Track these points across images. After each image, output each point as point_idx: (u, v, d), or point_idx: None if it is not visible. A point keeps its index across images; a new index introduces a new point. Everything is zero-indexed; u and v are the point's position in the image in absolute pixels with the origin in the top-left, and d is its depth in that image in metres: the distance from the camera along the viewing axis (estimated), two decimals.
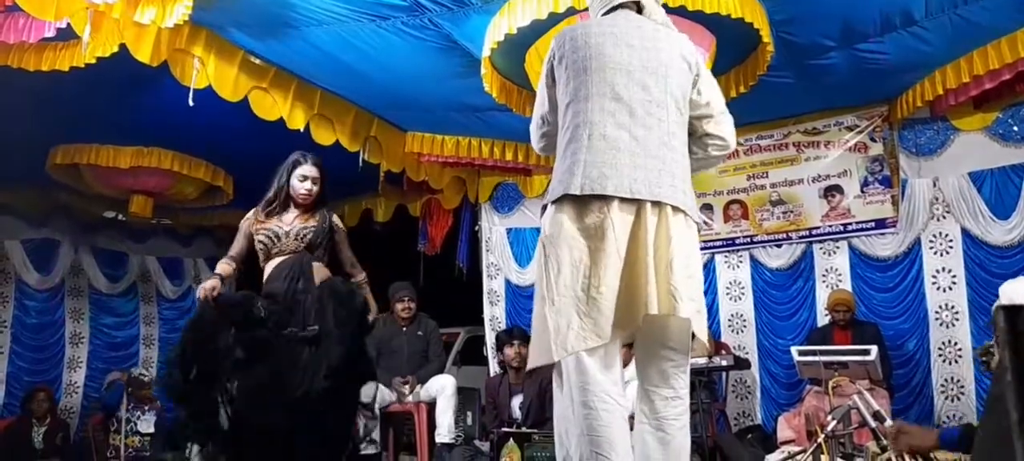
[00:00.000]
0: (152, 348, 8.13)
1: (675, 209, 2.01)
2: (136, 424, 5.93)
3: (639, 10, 2.23)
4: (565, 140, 2.11)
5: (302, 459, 3.13)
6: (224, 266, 3.45)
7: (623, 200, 1.96)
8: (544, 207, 2.11)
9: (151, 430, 6.00)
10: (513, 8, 4.07)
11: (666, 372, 2.04)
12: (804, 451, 3.02)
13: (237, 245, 3.55)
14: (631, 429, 2.04)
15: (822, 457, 2.89)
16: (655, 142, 2.06)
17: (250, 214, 3.61)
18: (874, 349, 4.14)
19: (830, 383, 3.72)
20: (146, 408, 6.09)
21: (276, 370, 3.22)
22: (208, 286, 3.26)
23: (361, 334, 3.54)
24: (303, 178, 3.51)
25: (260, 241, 3.46)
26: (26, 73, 4.62)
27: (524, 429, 3.86)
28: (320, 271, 3.49)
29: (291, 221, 3.48)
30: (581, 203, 1.97)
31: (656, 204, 1.98)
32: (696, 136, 2.24)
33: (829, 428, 2.78)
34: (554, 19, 4.04)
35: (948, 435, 2.48)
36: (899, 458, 2.58)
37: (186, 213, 7.82)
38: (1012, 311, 1.17)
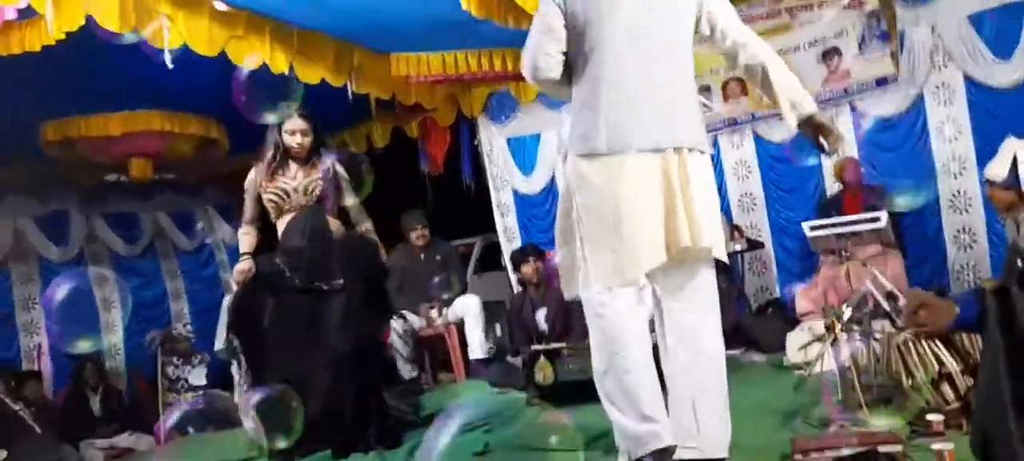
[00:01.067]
0: (181, 301, 8.30)
1: (691, 149, 2.18)
2: (187, 380, 6.15)
3: None
4: (584, 91, 2.21)
5: (348, 403, 3.28)
6: (248, 240, 3.59)
7: (648, 151, 2.13)
8: (564, 155, 2.22)
9: (203, 382, 6.20)
10: None
11: (685, 287, 2.23)
12: (821, 338, 3.12)
13: (250, 209, 3.64)
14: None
15: (842, 341, 2.98)
16: (670, 84, 2.20)
17: (252, 174, 3.67)
18: (883, 215, 4.18)
19: (842, 271, 3.79)
20: (196, 362, 6.28)
21: (309, 324, 3.36)
22: (244, 268, 3.48)
23: (380, 281, 3.66)
24: (292, 133, 3.54)
25: (270, 200, 3.54)
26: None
27: (553, 344, 3.99)
28: (333, 223, 3.56)
29: (295, 176, 3.53)
30: (603, 155, 2.13)
31: (676, 148, 2.15)
32: (754, 79, 2.32)
33: (845, 318, 2.87)
34: None
35: (965, 313, 2.54)
36: (916, 339, 2.66)
37: (187, 168, 7.80)
38: (1000, 293, 1.21)
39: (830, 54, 5.37)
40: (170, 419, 4.45)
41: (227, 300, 6.04)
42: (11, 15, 4.24)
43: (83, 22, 4.26)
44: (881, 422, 2.52)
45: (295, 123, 3.53)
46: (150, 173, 6.78)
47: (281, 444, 3.02)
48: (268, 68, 5.00)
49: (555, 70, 2.24)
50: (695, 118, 2.26)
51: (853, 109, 5.40)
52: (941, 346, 2.62)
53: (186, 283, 8.35)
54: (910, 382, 2.66)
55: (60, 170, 7.18)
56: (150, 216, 8.18)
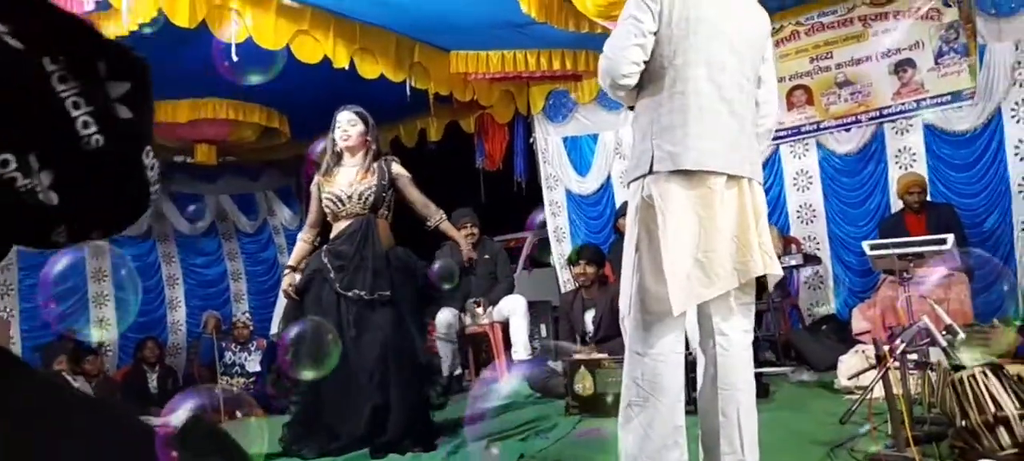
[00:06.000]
0: (240, 281, 8.57)
1: (760, 181, 2.26)
2: (244, 366, 6.33)
3: None
4: (670, 109, 2.17)
5: (389, 409, 3.32)
6: (301, 248, 3.66)
7: (729, 177, 2.14)
8: (641, 176, 2.18)
9: (258, 369, 6.36)
10: None
11: (740, 311, 2.28)
12: (873, 367, 3.00)
13: (313, 212, 3.69)
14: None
15: (894, 373, 2.87)
16: (747, 117, 2.25)
17: (316, 177, 3.69)
18: (950, 238, 3.98)
19: (900, 303, 3.64)
20: (252, 348, 6.46)
21: (347, 330, 3.39)
22: (286, 285, 3.56)
23: (420, 298, 3.62)
24: (338, 125, 3.56)
25: (326, 205, 3.55)
26: None
27: (593, 355, 3.97)
28: (386, 231, 3.56)
29: (351, 182, 3.52)
30: (690, 175, 2.12)
31: (749, 179, 2.20)
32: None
33: (899, 351, 2.75)
34: None
35: None
36: (973, 378, 2.54)
37: (248, 152, 8.02)
38: None
39: (904, 66, 5.15)
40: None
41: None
42: (89, 6, 4.45)
43: (155, 14, 4.44)
44: None
45: (342, 116, 3.56)
46: (214, 159, 7.02)
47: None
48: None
49: (635, 79, 2.21)
50: (757, 151, 2.32)
51: (925, 123, 5.17)
52: (1000, 387, 2.49)
53: (246, 264, 8.62)
54: (964, 423, 2.53)
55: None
56: (213, 198, 8.44)
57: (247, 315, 7.05)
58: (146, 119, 0.72)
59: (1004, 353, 2.76)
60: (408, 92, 5.76)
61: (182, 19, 4.50)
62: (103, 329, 7.44)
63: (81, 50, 0.65)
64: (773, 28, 5.38)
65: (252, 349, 6.41)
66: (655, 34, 2.15)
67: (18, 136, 0.59)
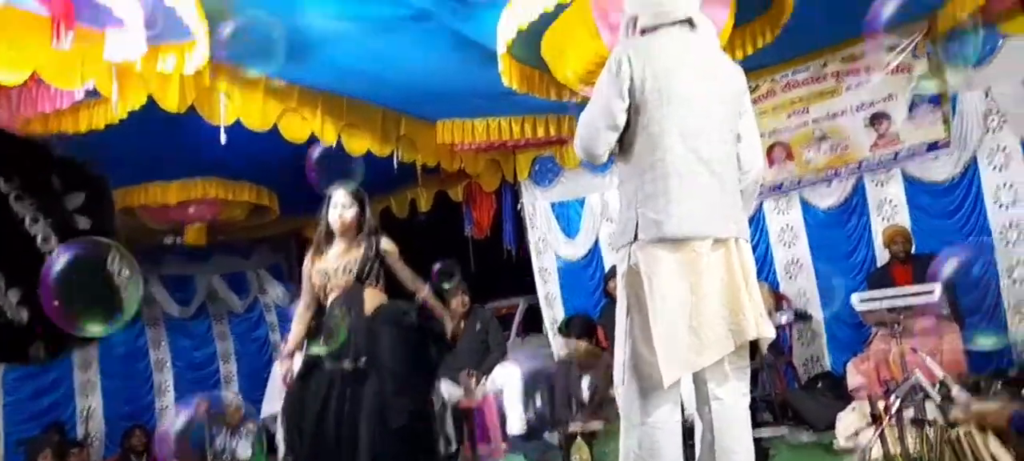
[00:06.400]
0: (230, 363, 8.44)
1: (746, 239, 2.22)
2: (235, 451, 6.17)
3: (691, 25, 2.27)
4: (651, 178, 2.17)
5: None
6: (297, 331, 3.58)
7: (715, 240, 2.13)
8: (627, 244, 2.18)
9: (249, 453, 6.21)
10: (518, 2, 4.02)
11: (735, 375, 2.24)
12: (870, 425, 2.99)
13: (305, 291, 3.61)
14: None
15: (891, 430, 2.85)
16: (727, 176, 2.22)
17: (307, 257, 3.67)
18: (937, 287, 3.99)
19: (893, 356, 3.64)
20: (244, 432, 6.32)
21: (342, 402, 3.33)
22: (283, 373, 3.50)
23: (417, 350, 3.58)
24: (334, 205, 3.54)
25: (315, 281, 3.53)
26: None
27: (590, 424, 3.92)
28: (373, 298, 3.53)
29: (338, 256, 3.51)
30: (675, 241, 2.10)
31: (735, 239, 2.17)
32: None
33: (894, 408, 2.74)
34: (561, 7, 3.97)
35: (1020, 420, 2.42)
36: (970, 435, 2.53)
37: (238, 230, 8.01)
38: None
39: (879, 118, 5.26)
40: None
41: (276, 367, 6.11)
42: (79, 97, 4.50)
43: (144, 101, 4.50)
44: None
45: (339, 196, 3.55)
46: (204, 239, 7.00)
47: None
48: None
49: (608, 155, 2.26)
50: (742, 208, 2.29)
51: (904, 173, 5.26)
52: (998, 444, 2.47)
53: (236, 345, 8.51)
54: None
55: (119, 235, 7.45)
56: (204, 278, 8.36)
57: (238, 398, 6.93)
58: (107, 226, 0.73)
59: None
60: (395, 164, 5.82)
61: (172, 104, 4.56)
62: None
63: (34, 167, 0.66)
64: (750, 86, 5.57)
65: (243, 434, 6.27)
66: (627, 109, 2.18)
67: None
